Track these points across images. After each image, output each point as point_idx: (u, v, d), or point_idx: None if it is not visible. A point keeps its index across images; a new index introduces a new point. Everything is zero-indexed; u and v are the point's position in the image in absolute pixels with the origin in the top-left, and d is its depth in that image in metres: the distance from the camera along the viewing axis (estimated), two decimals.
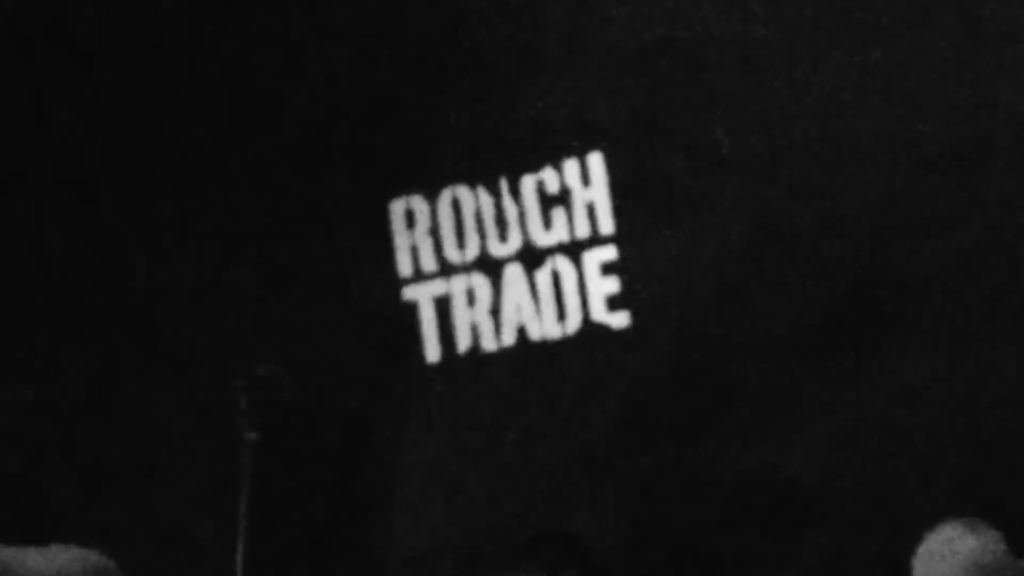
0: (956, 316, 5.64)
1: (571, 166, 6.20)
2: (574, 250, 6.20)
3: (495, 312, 6.31)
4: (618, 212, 6.14)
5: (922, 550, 4.27)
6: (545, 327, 6.25)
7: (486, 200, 6.34)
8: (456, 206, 6.38)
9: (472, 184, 6.35)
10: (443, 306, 6.39)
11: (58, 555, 3.62)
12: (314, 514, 6.23)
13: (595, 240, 6.18)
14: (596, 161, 6.16)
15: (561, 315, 6.22)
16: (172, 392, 6.25)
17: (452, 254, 6.37)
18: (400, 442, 6.46)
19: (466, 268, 6.37)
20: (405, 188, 6.46)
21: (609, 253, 6.14)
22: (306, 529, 6.10)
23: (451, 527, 6.30)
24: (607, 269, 6.15)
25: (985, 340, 5.60)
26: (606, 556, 5.75)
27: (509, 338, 6.30)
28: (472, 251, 6.35)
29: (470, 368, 6.34)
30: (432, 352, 6.41)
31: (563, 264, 6.21)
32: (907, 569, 4.30)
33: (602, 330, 6.14)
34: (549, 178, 6.24)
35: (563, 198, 6.22)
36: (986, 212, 5.63)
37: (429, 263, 6.40)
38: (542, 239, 6.25)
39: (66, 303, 6.31)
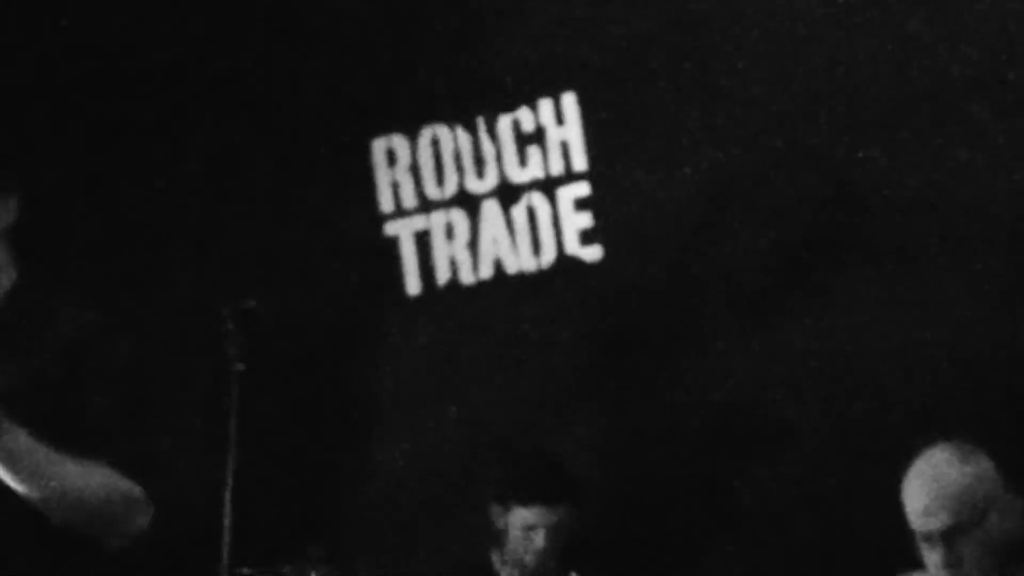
0: (922, 245, 5.67)
1: (545, 106, 6.20)
2: (548, 186, 6.21)
3: (473, 246, 6.32)
4: (591, 150, 6.15)
5: (913, 471, 4.25)
6: (521, 260, 6.27)
7: (464, 139, 6.34)
8: (435, 144, 6.38)
9: (451, 124, 6.36)
10: (423, 240, 6.40)
11: (94, 472, 3.61)
12: (299, 443, 6.22)
13: (569, 177, 6.19)
14: (570, 101, 6.16)
15: (536, 249, 6.24)
16: (161, 325, 6.22)
17: (432, 190, 6.38)
18: (381, 371, 6.47)
19: (445, 204, 6.38)
20: (386, 128, 6.45)
21: (582, 189, 6.15)
22: (292, 457, 6.08)
23: (432, 455, 6.32)
24: (580, 204, 6.16)
25: (943, 266, 5.61)
26: (586, 482, 5.75)
27: (486, 271, 6.32)
28: (451, 188, 6.36)
29: (449, 300, 6.34)
30: (412, 284, 6.43)
31: (538, 200, 6.23)
32: (896, 492, 4.27)
33: (575, 263, 6.16)
34: (524, 118, 6.24)
35: (538, 137, 6.22)
36: (949, 148, 5.62)
37: (409, 199, 6.41)
38: (518, 176, 6.26)
39: (55, 240, 6.26)
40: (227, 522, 3.79)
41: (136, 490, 3.68)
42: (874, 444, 5.41)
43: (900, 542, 4.27)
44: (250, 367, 3.67)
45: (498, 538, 5.66)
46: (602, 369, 6.14)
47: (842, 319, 5.75)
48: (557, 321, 6.20)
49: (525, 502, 5.52)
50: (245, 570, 4.39)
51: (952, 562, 4.13)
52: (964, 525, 4.11)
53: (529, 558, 5.53)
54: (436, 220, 6.37)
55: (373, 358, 6.46)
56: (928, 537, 4.15)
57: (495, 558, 5.67)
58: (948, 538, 4.12)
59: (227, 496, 3.77)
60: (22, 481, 3.48)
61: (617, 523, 5.95)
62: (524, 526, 5.52)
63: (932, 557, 4.17)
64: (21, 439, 3.47)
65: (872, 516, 4.31)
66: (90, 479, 3.60)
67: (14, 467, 3.47)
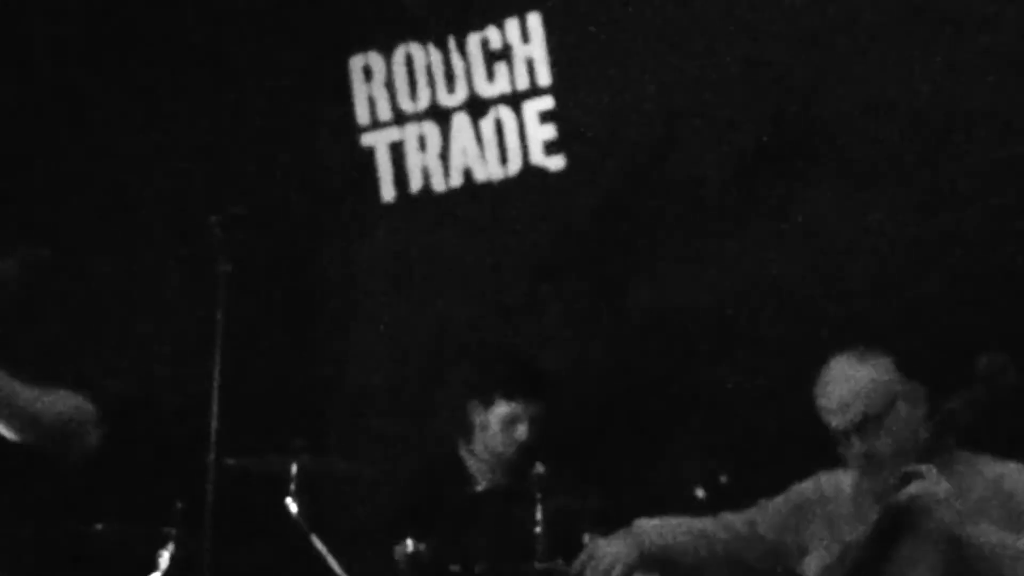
0: (871, 156, 5.70)
1: (512, 25, 6.23)
2: (515, 100, 6.25)
3: (444, 156, 6.37)
4: (554, 66, 6.18)
5: (823, 379, 4.26)
6: (489, 169, 6.31)
7: (436, 56, 6.37)
8: (409, 61, 6.41)
9: (423, 42, 6.39)
10: (397, 151, 6.44)
11: (48, 393, 3.73)
12: (281, 341, 6.26)
13: (534, 91, 6.23)
14: (535, 20, 6.19)
15: (503, 159, 6.28)
16: (155, 231, 6.24)
17: (405, 104, 6.42)
18: (359, 272, 6.51)
19: (418, 117, 6.41)
20: (363, 45, 6.48)
21: (546, 103, 6.20)
22: (274, 354, 6.12)
23: (405, 352, 6.38)
24: (545, 117, 6.20)
25: (891, 178, 5.65)
26: (552, 377, 5.80)
27: (457, 179, 6.36)
28: (423, 101, 6.40)
29: (422, 206, 6.38)
30: (387, 192, 6.47)
31: (505, 113, 6.26)
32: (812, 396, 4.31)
33: (540, 172, 6.20)
34: (492, 36, 6.27)
35: (505, 54, 6.25)
36: (894, 66, 5.66)
37: (385, 112, 6.45)
38: (486, 90, 6.31)
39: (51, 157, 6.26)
40: (214, 415, 3.82)
41: (89, 407, 3.78)
42: (821, 341, 5.42)
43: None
44: (236, 268, 3.71)
45: (470, 432, 5.70)
46: (564, 272, 6.19)
47: (794, 227, 5.79)
48: (522, 227, 6.23)
49: (509, 396, 5.57)
50: (231, 460, 4.43)
51: (869, 452, 4.17)
52: (875, 417, 4.14)
53: (510, 450, 5.58)
54: (410, 132, 6.41)
55: (351, 260, 6.50)
56: (845, 432, 4.18)
57: (464, 451, 5.72)
58: (862, 430, 4.15)
59: (214, 391, 3.81)
60: None
61: (579, 417, 6.00)
62: (506, 419, 5.57)
63: (851, 450, 4.23)
64: None
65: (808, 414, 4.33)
66: (44, 399, 3.71)
67: None
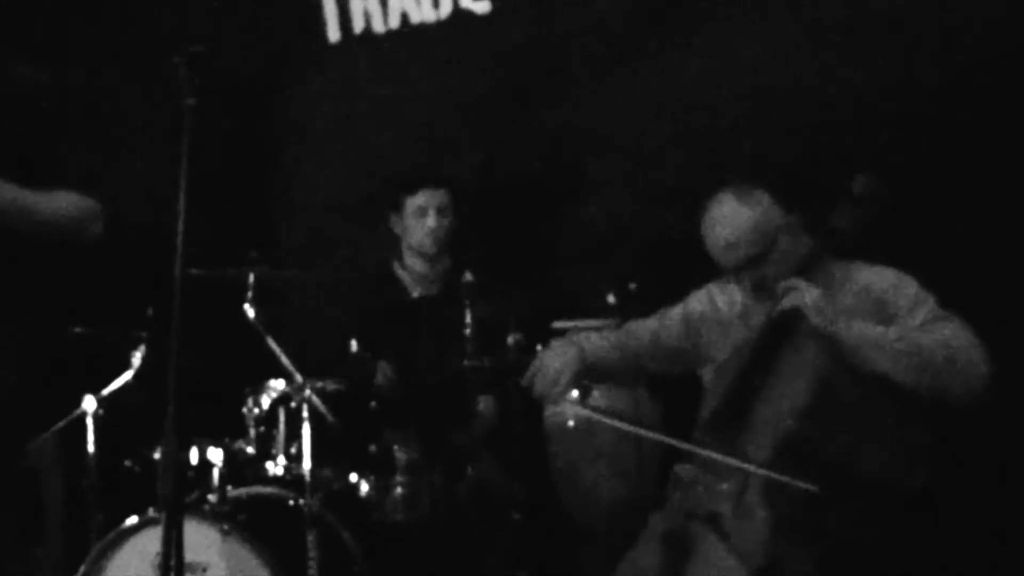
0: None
1: None
2: None
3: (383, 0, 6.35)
4: None
5: (708, 221, 4.25)
6: (423, 12, 6.30)
7: None
8: None
9: None
10: None
11: (56, 196, 4.05)
12: (238, 166, 6.27)
13: None
14: None
15: (436, 3, 6.27)
16: (127, 69, 6.21)
17: None
18: (309, 103, 6.51)
19: None
20: None
21: None
22: (233, 178, 6.12)
23: (346, 178, 6.43)
24: None
25: (785, 18, 5.64)
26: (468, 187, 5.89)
27: (395, 21, 6.36)
28: None
29: (364, 46, 6.38)
30: (333, 33, 6.46)
31: None
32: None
33: (468, 15, 6.20)
34: None
35: None
36: None
37: None
38: None
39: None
40: (180, 231, 3.85)
41: (91, 203, 4.17)
42: (717, 165, 5.49)
43: None
44: (199, 103, 3.73)
45: (397, 247, 5.79)
46: (488, 104, 6.21)
47: (695, 64, 5.78)
48: (453, 65, 6.25)
49: (412, 190, 5.65)
50: (195, 271, 4.46)
51: (758, 283, 4.23)
52: (759, 254, 4.17)
53: (427, 240, 5.65)
54: None
55: (302, 93, 6.50)
56: (733, 269, 4.23)
57: (397, 268, 5.81)
58: (749, 266, 4.20)
59: (180, 210, 3.83)
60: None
61: (497, 230, 6.11)
62: (416, 212, 5.65)
63: (740, 281, 4.29)
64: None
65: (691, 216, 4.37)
66: (52, 201, 4.06)
67: None
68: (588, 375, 4.53)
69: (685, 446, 4.13)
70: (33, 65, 4.02)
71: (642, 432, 4.55)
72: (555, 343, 4.58)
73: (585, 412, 4.50)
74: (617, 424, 4.46)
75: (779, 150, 5.40)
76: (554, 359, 4.42)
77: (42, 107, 4.08)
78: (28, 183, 3.99)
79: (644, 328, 4.57)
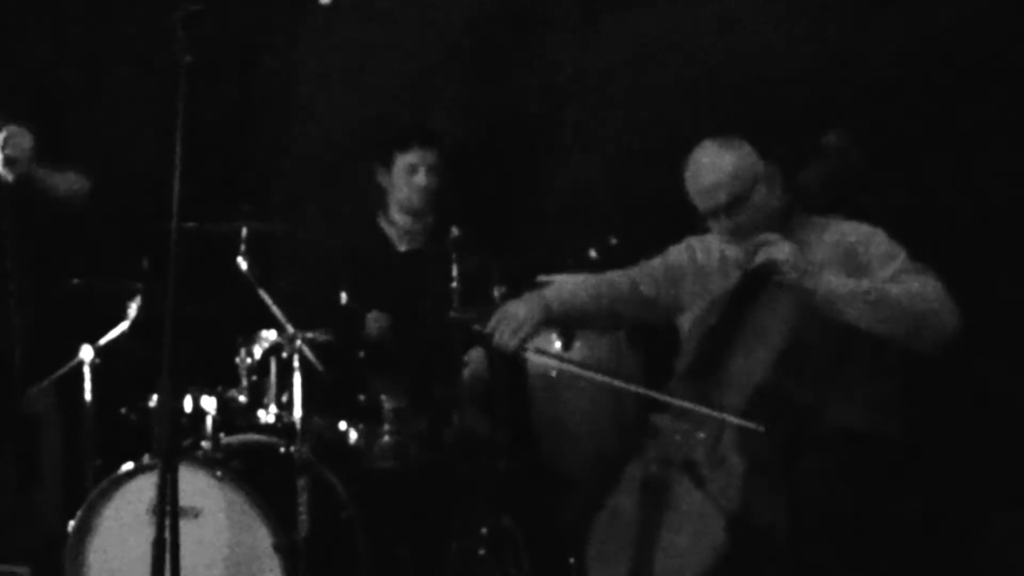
0: None
1: None
2: None
3: None
4: None
5: (691, 166, 4.28)
6: None
7: None
8: None
9: None
10: None
11: (67, 177, 4.80)
12: (232, 122, 6.21)
13: None
14: None
15: None
16: (127, 28, 6.17)
17: None
18: (299, 59, 6.49)
19: None
20: None
21: None
22: (226, 133, 6.07)
23: (335, 132, 6.37)
24: None
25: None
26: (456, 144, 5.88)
27: None
28: None
29: (350, 2, 6.34)
30: None
31: None
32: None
33: None
34: None
35: None
36: None
37: None
38: None
39: None
40: (176, 186, 3.86)
41: (84, 180, 5.04)
42: (694, 122, 5.49)
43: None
44: (195, 60, 3.73)
45: (383, 199, 5.78)
46: (473, 61, 6.20)
47: (677, 20, 5.76)
48: (437, 21, 6.22)
49: (404, 147, 5.64)
50: (190, 224, 4.48)
51: (734, 230, 4.25)
52: (739, 198, 4.19)
53: (415, 197, 5.66)
54: None
55: (294, 50, 6.49)
56: (712, 213, 4.25)
57: (382, 221, 5.80)
58: (728, 210, 4.21)
59: (177, 164, 3.84)
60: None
61: (482, 186, 6.09)
62: (406, 169, 5.64)
63: (718, 226, 4.29)
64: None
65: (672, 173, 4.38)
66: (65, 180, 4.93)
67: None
68: (562, 322, 4.56)
69: (657, 395, 4.15)
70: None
71: (616, 383, 4.54)
72: (526, 294, 4.58)
73: (551, 362, 4.47)
74: (584, 373, 4.46)
75: (757, 108, 5.39)
76: (518, 308, 4.44)
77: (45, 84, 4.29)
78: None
79: (624, 277, 4.59)
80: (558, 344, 5.26)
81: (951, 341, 3.98)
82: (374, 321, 5.43)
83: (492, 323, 4.43)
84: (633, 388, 4.30)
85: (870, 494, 3.88)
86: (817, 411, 4.00)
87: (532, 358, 4.29)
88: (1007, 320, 4.91)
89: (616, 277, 4.60)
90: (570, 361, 4.14)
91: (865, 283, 4.01)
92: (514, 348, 4.35)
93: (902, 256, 4.11)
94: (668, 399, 4.11)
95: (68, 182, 4.99)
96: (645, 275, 4.57)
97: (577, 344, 5.51)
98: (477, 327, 4.54)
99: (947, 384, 4.76)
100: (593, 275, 4.72)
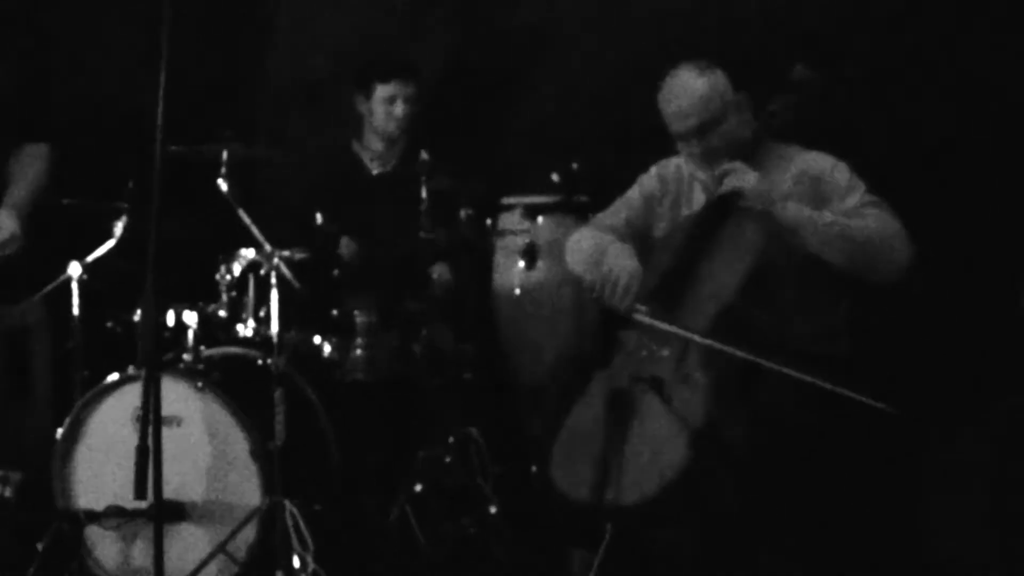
0: None
1: None
2: None
3: None
4: None
5: (666, 89, 4.25)
6: None
7: None
8: None
9: None
10: None
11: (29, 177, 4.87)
12: (215, 47, 6.09)
13: None
14: None
15: None
16: None
17: None
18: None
19: None
20: None
21: None
22: (209, 58, 5.99)
23: (312, 61, 6.30)
24: None
25: None
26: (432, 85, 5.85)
27: None
28: None
29: None
30: None
31: None
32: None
33: None
34: None
35: None
36: None
37: None
38: None
39: None
40: (160, 111, 3.83)
41: (45, 152, 5.01)
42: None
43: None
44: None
45: (359, 125, 5.77)
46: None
47: None
48: None
49: (385, 78, 5.63)
50: (174, 147, 4.44)
51: (704, 154, 4.25)
52: (710, 122, 4.18)
53: (391, 125, 5.65)
54: None
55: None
56: (684, 136, 4.24)
57: (356, 146, 5.80)
58: (700, 133, 4.20)
59: (160, 90, 3.81)
60: None
61: (451, 112, 6.04)
62: (385, 99, 5.63)
63: (689, 149, 4.29)
64: None
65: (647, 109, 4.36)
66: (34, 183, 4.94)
67: None
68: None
69: (762, 361, 3.86)
70: None
71: (716, 346, 4.23)
72: (612, 247, 4.32)
73: (661, 325, 4.25)
74: (679, 332, 4.24)
75: (728, 40, 5.36)
76: (621, 268, 4.19)
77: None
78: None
79: (618, 219, 4.54)
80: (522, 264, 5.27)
81: (904, 272, 4.00)
82: (345, 247, 5.44)
83: (597, 287, 4.21)
84: (740, 354, 4.10)
85: (824, 412, 3.89)
86: (777, 333, 4.01)
87: (642, 319, 4.14)
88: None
89: (613, 220, 4.49)
90: (676, 325, 4.01)
91: (827, 215, 4.01)
92: (628, 307, 4.24)
93: (863, 188, 4.12)
94: (772, 366, 3.86)
95: (35, 184, 4.90)
96: (632, 207, 4.54)
97: (540, 263, 5.54)
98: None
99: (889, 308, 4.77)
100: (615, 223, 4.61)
